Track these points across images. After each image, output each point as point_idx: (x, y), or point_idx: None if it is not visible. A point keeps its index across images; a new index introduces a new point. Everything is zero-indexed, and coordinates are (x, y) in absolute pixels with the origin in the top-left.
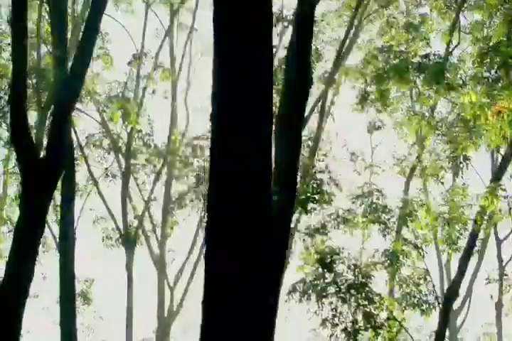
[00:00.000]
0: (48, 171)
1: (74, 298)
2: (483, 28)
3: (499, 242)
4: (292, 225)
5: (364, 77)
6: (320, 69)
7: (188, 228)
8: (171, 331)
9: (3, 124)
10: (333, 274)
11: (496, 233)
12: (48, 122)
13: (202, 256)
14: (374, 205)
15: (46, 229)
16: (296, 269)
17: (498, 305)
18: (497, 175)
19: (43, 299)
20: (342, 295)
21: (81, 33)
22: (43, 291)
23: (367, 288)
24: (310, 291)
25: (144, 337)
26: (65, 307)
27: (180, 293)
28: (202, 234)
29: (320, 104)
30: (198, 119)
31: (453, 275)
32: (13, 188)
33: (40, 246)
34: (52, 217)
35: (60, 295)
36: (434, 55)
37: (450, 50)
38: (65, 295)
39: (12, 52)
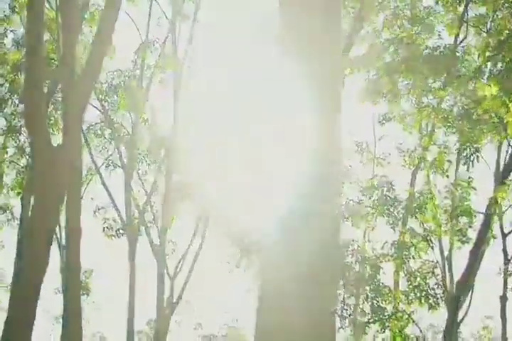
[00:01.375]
0: (62, 159)
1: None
2: (487, 21)
3: (504, 236)
4: None
5: (371, 69)
6: None
7: (188, 219)
8: (170, 322)
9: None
10: (341, 266)
11: (501, 226)
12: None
13: (202, 247)
14: (384, 197)
15: None
16: None
17: (503, 299)
18: (509, 166)
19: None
20: (350, 287)
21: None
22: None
23: (375, 280)
24: None
25: (142, 327)
26: (69, 299)
27: (180, 285)
28: (202, 225)
29: None
30: (200, 109)
31: (455, 268)
32: (10, 177)
33: None
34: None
35: (63, 285)
36: (443, 46)
37: (458, 42)
38: (69, 285)
39: (27, 37)
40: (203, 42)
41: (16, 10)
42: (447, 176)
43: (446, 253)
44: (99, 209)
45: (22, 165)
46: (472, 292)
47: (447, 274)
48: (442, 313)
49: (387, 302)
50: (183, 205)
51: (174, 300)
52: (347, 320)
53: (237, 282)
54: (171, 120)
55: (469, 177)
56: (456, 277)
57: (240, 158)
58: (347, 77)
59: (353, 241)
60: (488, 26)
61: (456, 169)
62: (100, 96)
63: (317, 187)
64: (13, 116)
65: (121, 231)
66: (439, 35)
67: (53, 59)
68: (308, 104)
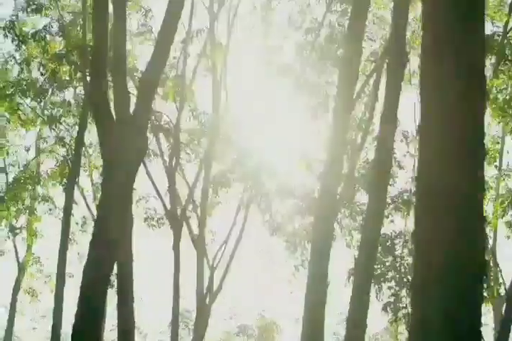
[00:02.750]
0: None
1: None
2: None
3: None
4: (358, 208)
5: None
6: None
7: (228, 208)
8: (210, 312)
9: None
10: (392, 257)
11: None
12: None
13: (242, 237)
14: None
15: (86, 209)
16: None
17: None
18: None
19: (78, 279)
20: (402, 279)
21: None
22: (79, 271)
23: None
24: None
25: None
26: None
27: (219, 274)
28: (242, 215)
29: (372, 83)
30: (240, 98)
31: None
32: (46, 166)
33: (78, 225)
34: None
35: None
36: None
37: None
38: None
39: (94, 21)
40: (242, 32)
41: None
42: (496, 167)
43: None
44: (140, 199)
45: (62, 154)
46: None
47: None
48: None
49: None
50: (223, 195)
51: (214, 290)
52: (400, 312)
53: (277, 272)
54: (212, 109)
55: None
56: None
57: (280, 147)
58: None
59: (406, 232)
60: None
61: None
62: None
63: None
64: (52, 106)
65: (162, 220)
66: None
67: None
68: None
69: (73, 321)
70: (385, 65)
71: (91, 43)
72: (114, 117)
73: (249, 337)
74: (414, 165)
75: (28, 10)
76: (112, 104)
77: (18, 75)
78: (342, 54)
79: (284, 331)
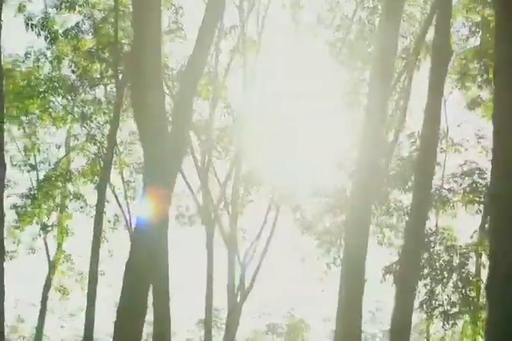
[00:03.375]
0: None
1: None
2: None
3: None
4: (394, 204)
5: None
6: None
7: (259, 206)
8: (241, 310)
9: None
10: (428, 254)
11: None
12: None
13: (273, 235)
14: (474, 184)
15: (117, 207)
16: (398, 248)
17: None
18: None
19: (109, 277)
20: (438, 276)
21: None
22: (110, 269)
23: (464, 270)
24: None
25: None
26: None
27: (251, 272)
28: (272, 213)
29: (405, 81)
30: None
31: None
32: (76, 164)
33: (110, 223)
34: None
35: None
36: None
37: None
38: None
39: (133, 20)
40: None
41: None
42: None
43: None
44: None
45: (92, 152)
46: None
47: None
48: None
49: (477, 292)
50: (254, 193)
51: (245, 288)
52: (436, 310)
53: (308, 270)
54: (243, 106)
55: None
56: None
57: (312, 146)
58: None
59: (443, 229)
60: None
61: None
62: (169, 83)
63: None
64: (83, 104)
65: (193, 218)
66: None
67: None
68: None
69: (115, 318)
70: (417, 62)
71: (122, 41)
72: (153, 115)
73: (278, 335)
74: (444, 161)
75: (62, 7)
76: (149, 103)
77: (50, 73)
78: (376, 51)
79: (312, 329)
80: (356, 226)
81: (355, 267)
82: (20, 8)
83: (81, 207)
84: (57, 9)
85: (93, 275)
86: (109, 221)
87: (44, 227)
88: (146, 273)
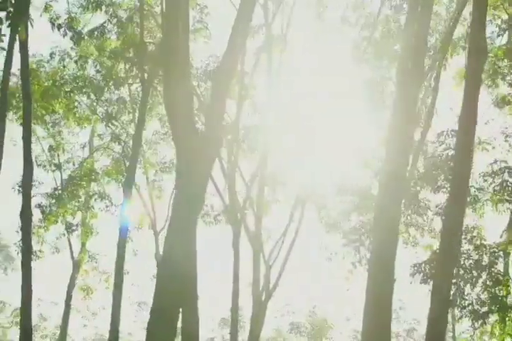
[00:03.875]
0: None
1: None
2: None
3: None
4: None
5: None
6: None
7: (284, 205)
8: (266, 309)
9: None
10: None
11: None
12: None
13: (298, 234)
14: (504, 183)
15: (140, 205)
16: (424, 248)
17: None
18: None
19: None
20: (467, 275)
21: None
22: (135, 268)
23: (493, 269)
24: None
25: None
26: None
27: (276, 272)
28: (298, 212)
29: (433, 77)
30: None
31: None
32: (100, 163)
33: (135, 222)
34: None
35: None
36: None
37: None
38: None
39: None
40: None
41: None
42: None
43: None
44: None
45: (117, 152)
46: None
47: None
48: None
49: (506, 291)
50: (279, 192)
51: (270, 288)
52: (466, 309)
53: (335, 269)
54: (269, 105)
55: None
56: None
57: (337, 145)
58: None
59: (472, 228)
60: None
61: None
62: (194, 82)
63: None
64: (108, 103)
65: (219, 217)
66: None
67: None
68: None
69: (148, 319)
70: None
71: (147, 40)
72: (183, 115)
73: (301, 334)
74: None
75: (89, 7)
76: (176, 103)
77: (75, 73)
78: (404, 50)
79: (335, 328)
80: (386, 225)
81: (385, 266)
82: (47, 8)
83: (106, 207)
84: (83, 9)
85: (119, 275)
86: (133, 221)
87: (69, 227)
88: (178, 274)
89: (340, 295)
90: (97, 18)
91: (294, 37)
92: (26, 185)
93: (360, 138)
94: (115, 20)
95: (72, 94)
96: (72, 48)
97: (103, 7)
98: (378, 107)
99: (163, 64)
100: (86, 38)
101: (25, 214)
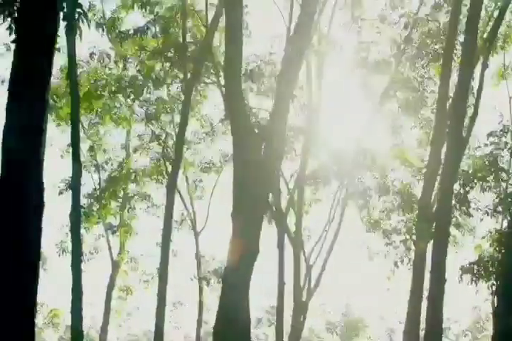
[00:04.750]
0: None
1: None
2: None
3: None
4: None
5: None
6: None
7: (324, 206)
8: (307, 309)
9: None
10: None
11: None
12: None
13: (338, 233)
14: None
15: (182, 207)
16: (474, 248)
17: None
18: None
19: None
20: None
21: None
22: (174, 268)
23: None
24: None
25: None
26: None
27: (316, 272)
28: (338, 211)
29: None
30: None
31: None
32: (140, 163)
33: (177, 223)
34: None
35: None
36: None
37: None
38: None
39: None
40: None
41: None
42: None
43: None
44: None
45: (157, 152)
46: None
47: None
48: None
49: None
50: (320, 191)
51: (311, 288)
52: None
53: (376, 268)
54: (308, 105)
55: None
56: None
57: (377, 143)
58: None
59: None
60: None
61: None
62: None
63: None
64: (147, 103)
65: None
66: None
67: None
68: None
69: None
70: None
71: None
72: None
73: (336, 333)
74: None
75: (135, 6)
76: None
77: (116, 73)
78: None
79: (370, 328)
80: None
81: (436, 266)
82: (90, 8)
83: (147, 207)
84: (126, 9)
85: (162, 276)
86: (176, 221)
87: (110, 227)
88: (243, 280)
89: (380, 295)
90: (137, 18)
91: (336, 37)
92: (76, 185)
93: (402, 137)
94: (160, 20)
95: (111, 95)
96: (110, 48)
97: (148, 7)
98: (419, 106)
99: (226, 64)
100: (128, 37)
101: (75, 215)
